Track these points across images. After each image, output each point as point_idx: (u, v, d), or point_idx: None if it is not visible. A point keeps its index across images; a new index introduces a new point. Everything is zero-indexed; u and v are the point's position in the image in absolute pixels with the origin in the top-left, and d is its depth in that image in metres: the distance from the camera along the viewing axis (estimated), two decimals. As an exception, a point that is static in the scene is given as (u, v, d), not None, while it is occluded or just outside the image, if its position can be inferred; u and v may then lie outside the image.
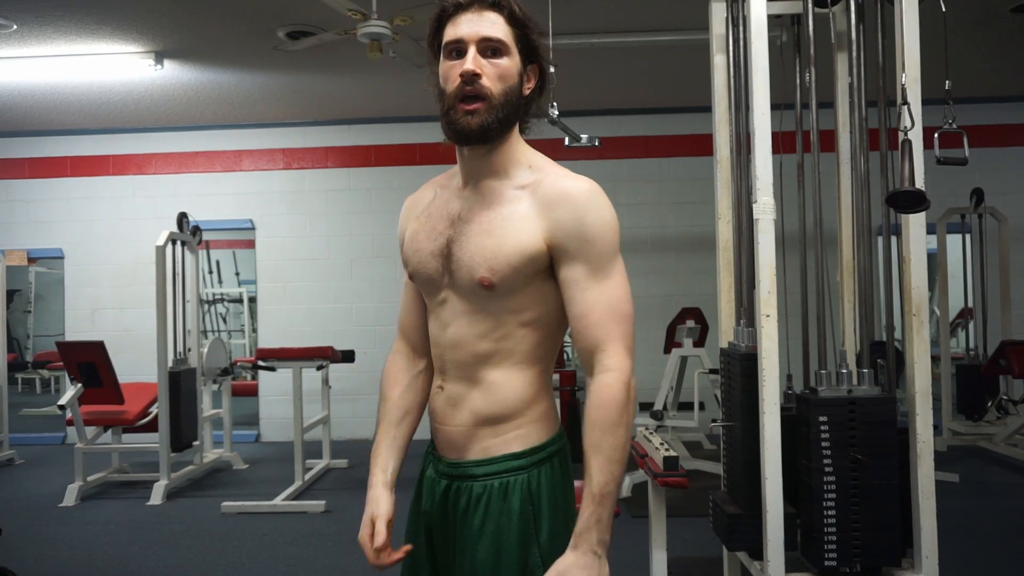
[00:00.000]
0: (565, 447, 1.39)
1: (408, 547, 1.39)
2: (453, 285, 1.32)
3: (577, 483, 1.35)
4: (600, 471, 1.20)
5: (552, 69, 3.72)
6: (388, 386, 1.46)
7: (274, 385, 6.64)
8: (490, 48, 1.27)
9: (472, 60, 1.25)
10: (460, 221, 1.32)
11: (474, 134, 1.26)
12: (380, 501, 1.39)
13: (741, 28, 2.62)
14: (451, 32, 1.28)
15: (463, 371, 1.33)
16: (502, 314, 1.29)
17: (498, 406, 1.31)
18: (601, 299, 1.24)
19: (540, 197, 1.27)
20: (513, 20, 1.28)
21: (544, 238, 1.26)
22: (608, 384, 1.22)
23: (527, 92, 1.32)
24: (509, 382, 1.31)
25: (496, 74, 1.26)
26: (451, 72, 1.27)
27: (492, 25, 1.27)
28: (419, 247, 1.37)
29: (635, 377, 1.26)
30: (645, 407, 5.43)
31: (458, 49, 1.27)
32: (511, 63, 1.28)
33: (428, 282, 1.36)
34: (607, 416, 1.21)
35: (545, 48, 1.34)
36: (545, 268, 1.28)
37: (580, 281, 1.25)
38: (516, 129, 1.33)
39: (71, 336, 6.74)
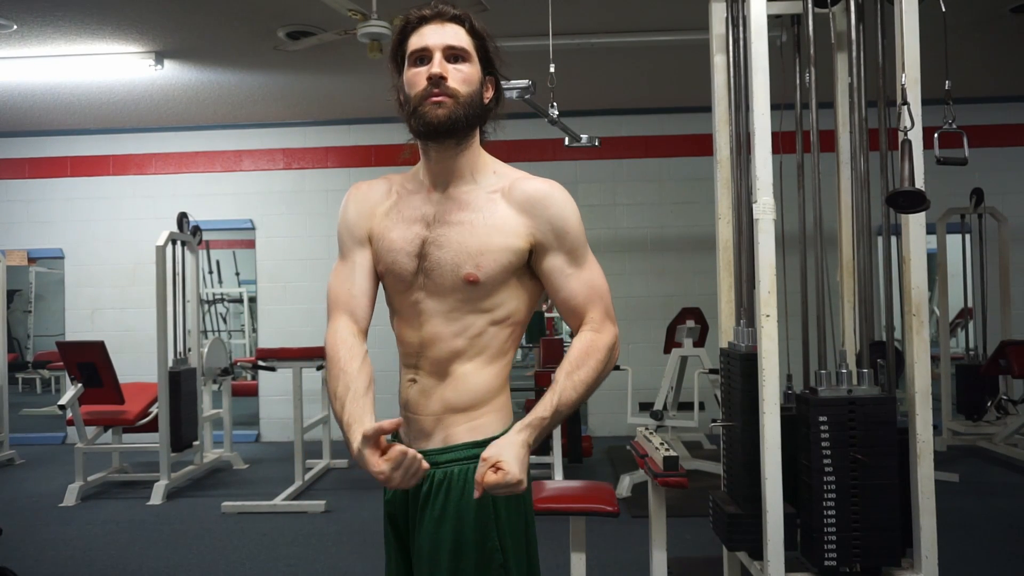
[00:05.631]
0: None
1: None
2: (427, 286, 1.39)
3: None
4: (565, 391, 1.31)
5: (552, 69, 3.75)
6: (345, 360, 1.38)
7: (274, 385, 6.64)
8: (454, 55, 1.36)
9: (439, 64, 1.34)
10: (436, 223, 1.39)
11: (442, 124, 1.33)
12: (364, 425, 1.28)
13: (741, 28, 2.62)
14: (416, 42, 1.37)
15: (437, 366, 1.40)
16: (476, 313, 1.38)
17: (467, 396, 1.39)
18: (583, 281, 1.40)
19: (517, 199, 1.37)
20: (473, 32, 1.39)
21: (527, 236, 1.36)
22: (592, 337, 1.38)
23: (486, 100, 1.42)
24: (478, 375, 1.39)
25: (461, 78, 1.36)
26: (417, 78, 1.36)
27: (455, 35, 1.37)
28: (392, 247, 1.42)
29: (619, 345, 1.42)
30: (645, 407, 5.43)
31: (423, 56, 1.36)
32: (473, 70, 1.38)
33: (401, 281, 1.42)
34: (585, 355, 1.35)
35: (500, 63, 1.44)
36: (523, 265, 1.39)
37: (564, 268, 1.39)
38: (478, 136, 1.43)
39: (71, 336, 6.73)
